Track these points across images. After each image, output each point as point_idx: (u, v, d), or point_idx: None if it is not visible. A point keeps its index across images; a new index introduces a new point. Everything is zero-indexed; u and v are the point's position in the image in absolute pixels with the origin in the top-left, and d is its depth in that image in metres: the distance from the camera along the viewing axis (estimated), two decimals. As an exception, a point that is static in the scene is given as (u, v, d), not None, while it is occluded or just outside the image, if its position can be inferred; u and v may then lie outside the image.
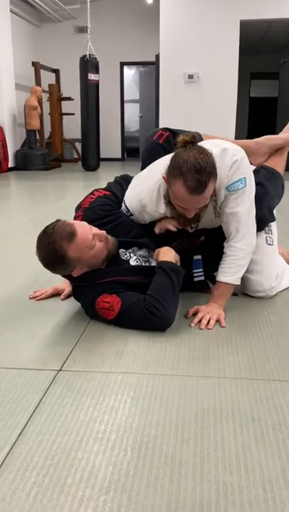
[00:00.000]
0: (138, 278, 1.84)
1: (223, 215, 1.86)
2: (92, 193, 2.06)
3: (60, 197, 5.32)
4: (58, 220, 1.75)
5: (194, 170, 1.60)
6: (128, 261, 1.89)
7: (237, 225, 1.84)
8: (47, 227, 1.72)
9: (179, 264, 1.84)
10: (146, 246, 1.95)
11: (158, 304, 1.71)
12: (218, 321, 1.84)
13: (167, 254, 1.85)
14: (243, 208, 1.82)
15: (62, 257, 1.68)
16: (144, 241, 1.94)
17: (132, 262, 1.89)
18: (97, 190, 2.08)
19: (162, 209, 1.88)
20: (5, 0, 8.27)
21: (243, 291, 2.16)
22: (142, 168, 2.10)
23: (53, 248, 1.67)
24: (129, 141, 11.53)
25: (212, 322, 1.81)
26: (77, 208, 2.02)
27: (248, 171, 1.83)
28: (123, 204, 2.02)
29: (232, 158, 1.76)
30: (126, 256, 1.90)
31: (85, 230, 1.71)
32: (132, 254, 1.92)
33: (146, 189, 1.92)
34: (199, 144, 1.89)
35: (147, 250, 1.95)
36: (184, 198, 1.67)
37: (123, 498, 0.98)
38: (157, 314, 1.71)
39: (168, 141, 2.09)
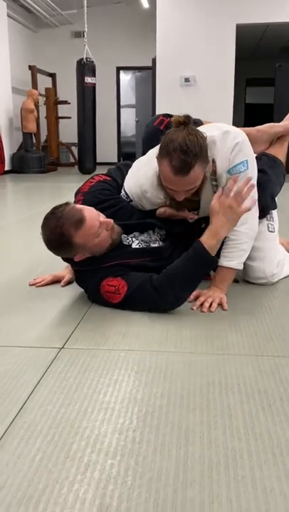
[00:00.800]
0: (141, 260, 1.83)
1: None
2: (92, 178, 2.04)
3: (56, 197, 5.31)
4: (67, 203, 1.73)
5: (180, 150, 1.57)
6: (130, 245, 1.88)
7: None
8: (56, 208, 1.70)
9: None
10: (154, 225, 1.93)
11: (168, 288, 1.70)
12: (220, 304, 1.82)
13: (212, 239, 1.75)
14: None
15: (68, 241, 1.67)
16: (152, 220, 1.92)
17: (134, 246, 1.88)
18: (97, 175, 2.07)
19: (163, 195, 1.87)
20: (2, 4, 8.32)
21: (244, 278, 2.14)
22: (143, 154, 2.09)
23: (60, 232, 1.65)
24: (126, 146, 11.55)
25: (214, 305, 1.80)
26: (77, 193, 2.00)
27: (250, 153, 1.82)
28: (122, 190, 2.00)
29: (234, 141, 1.75)
30: (128, 241, 1.89)
31: (93, 217, 1.70)
32: (133, 239, 1.90)
33: (146, 174, 1.90)
34: (201, 126, 1.89)
35: (148, 235, 1.94)
36: (170, 178, 1.64)
37: (130, 462, 0.96)
38: (164, 297, 1.71)
39: (169, 127, 2.09)
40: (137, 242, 1.90)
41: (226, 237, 1.89)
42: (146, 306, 1.75)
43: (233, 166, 1.77)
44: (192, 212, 1.92)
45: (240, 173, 1.77)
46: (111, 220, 1.76)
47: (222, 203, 1.76)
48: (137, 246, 1.88)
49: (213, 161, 1.76)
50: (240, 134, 1.79)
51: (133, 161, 2.12)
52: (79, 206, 1.72)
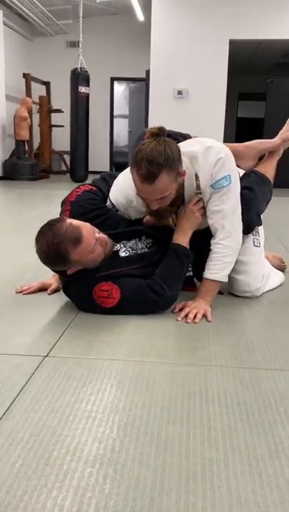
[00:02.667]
0: (129, 268, 1.86)
1: (209, 213, 1.89)
2: (78, 187, 2.07)
3: (47, 203, 5.32)
4: (57, 221, 1.73)
5: (146, 159, 1.62)
6: (118, 252, 1.91)
7: (223, 223, 1.87)
8: (52, 224, 1.70)
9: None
10: (141, 232, 1.97)
11: (164, 285, 1.81)
12: (204, 315, 1.85)
13: (184, 234, 1.92)
14: (228, 205, 1.85)
15: (64, 258, 1.69)
16: (139, 227, 1.96)
17: (122, 254, 1.91)
18: (83, 184, 2.10)
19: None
20: (-2, 12, 8.37)
21: (230, 291, 2.17)
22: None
23: (57, 250, 1.67)
24: (118, 156, 11.60)
25: (198, 316, 1.83)
26: (64, 202, 2.03)
27: (232, 168, 1.86)
28: (108, 200, 2.03)
29: (216, 156, 1.79)
30: (116, 247, 1.92)
31: (90, 235, 1.72)
32: (121, 245, 1.93)
33: (130, 184, 1.92)
34: (185, 141, 1.92)
35: (136, 242, 1.97)
36: (139, 186, 1.70)
37: (109, 470, 0.97)
38: (162, 294, 1.80)
39: None
40: (125, 249, 1.93)
41: (210, 250, 1.92)
42: (141, 309, 1.81)
43: (216, 181, 1.81)
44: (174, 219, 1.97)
45: (223, 188, 1.81)
46: (105, 236, 1.81)
47: (186, 207, 1.90)
48: (125, 254, 1.91)
49: (197, 176, 1.81)
50: (222, 149, 1.83)
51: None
52: (76, 223, 1.72)
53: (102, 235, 1.79)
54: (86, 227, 1.73)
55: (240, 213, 1.92)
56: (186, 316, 1.83)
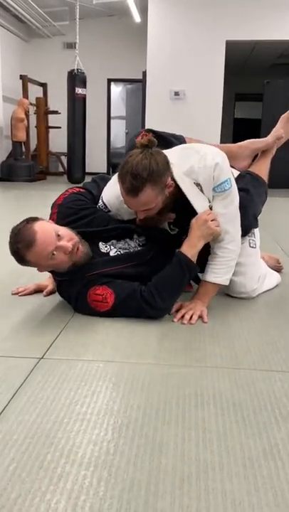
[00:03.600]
0: (122, 267, 1.85)
1: None
2: (66, 191, 2.08)
3: (44, 205, 5.31)
4: (28, 220, 1.75)
5: (130, 173, 1.63)
6: (108, 253, 1.90)
7: (227, 227, 1.85)
8: (16, 226, 1.75)
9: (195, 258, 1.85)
10: (132, 230, 1.96)
11: (158, 297, 1.77)
12: (200, 317, 1.85)
13: (194, 246, 1.83)
14: (230, 209, 1.85)
15: (22, 258, 1.72)
16: (130, 225, 1.95)
17: (112, 254, 1.90)
18: (71, 188, 2.11)
19: None
20: (-5, 13, 8.36)
21: (226, 292, 2.17)
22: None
23: (14, 249, 1.71)
24: (115, 157, 11.58)
25: (194, 317, 1.82)
26: (52, 206, 2.04)
27: (229, 172, 1.85)
28: (100, 201, 2.02)
29: (213, 161, 1.78)
30: (106, 249, 1.92)
31: (47, 241, 1.69)
32: (111, 247, 1.93)
33: None
34: (180, 150, 1.91)
35: (126, 242, 1.96)
36: (124, 198, 1.72)
37: (103, 473, 0.97)
38: (154, 306, 1.77)
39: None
40: (115, 250, 1.92)
41: (212, 253, 1.91)
42: (134, 314, 1.80)
43: (218, 184, 1.79)
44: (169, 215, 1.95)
45: (225, 191, 1.80)
46: (69, 246, 1.73)
47: (199, 218, 1.82)
48: (116, 254, 1.91)
49: (198, 184, 1.80)
50: (216, 154, 1.82)
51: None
52: (36, 228, 1.70)
53: (67, 244, 1.73)
54: (43, 234, 1.69)
55: (239, 219, 1.91)
56: (182, 317, 1.83)
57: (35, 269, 1.82)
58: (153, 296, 1.77)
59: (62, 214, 1.93)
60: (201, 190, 1.82)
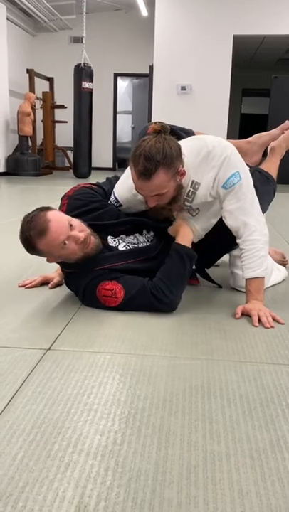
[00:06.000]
0: (130, 261, 1.85)
1: (226, 213, 1.85)
2: (77, 185, 2.09)
3: (50, 199, 5.32)
4: (42, 209, 1.74)
5: (144, 156, 1.63)
6: (117, 247, 1.90)
7: (244, 219, 1.82)
8: (28, 214, 1.74)
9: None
10: (142, 225, 1.96)
11: (167, 290, 1.77)
12: (276, 320, 1.78)
13: (186, 237, 1.88)
14: (245, 200, 1.82)
15: (32, 246, 1.72)
16: (140, 218, 1.95)
17: (121, 248, 1.90)
18: (83, 183, 2.12)
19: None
20: (1, 8, 8.36)
21: (232, 286, 2.17)
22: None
23: (25, 237, 1.71)
24: (121, 152, 11.59)
25: (270, 319, 1.76)
26: (63, 197, 2.04)
27: (239, 163, 1.83)
28: (112, 196, 2.02)
29: (220, 157, 1.77)
30: (115, 243, 1.92)
31: (59, 231, 1.69)
32: (120, 241, 1.93)
33: None
34: (189, 138, 1.91)
35: (135, 237, 1.96)
36: (136, 182, 1.71)
37: (110, 462, 0.97)
38: (164, 300, 1.77)
39: None
40: (124, 244, 1.93)
41: (240, 250, 1.88)
42: (144, 309, 1.80)
43: (226, 181, 1.78)
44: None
45: (234, 185, 1.79)
46: (81, 235, 1.73)
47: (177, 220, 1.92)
48: (124, 248, 1.91)
49: (193, 183, 1.81)
50: (226, 148, 1.80)
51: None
52: (49, 216, 1.69)
53: (79, 234, 1.73)
54: (56, 223, 1.69)
55: (258, 205, 1.89)
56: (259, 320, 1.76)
57: (42, 260, 1.82)
58: (162, 291, 1.77)
59: (71, 205, 1.93)
60: (191, 192, 1.83)
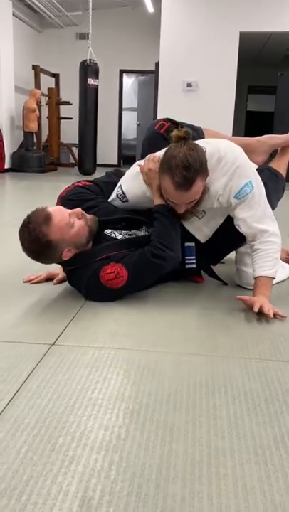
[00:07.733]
0: (128, 251, 1.86)
1: (239, 221, 1.85)
2: (71, 184, 2.11)
3: (55, 195, 5.32)
4: (35, 208, 1.77)
5: (182, 166, 1.62)
6: (115, 238, 1.94)
7: (259, 226, 1.83)
8: (24, 220, 1.75)
9: None
10: (140, 222, 1.96)
11: (165, 248, 1.80)
12: (278, 315, 1.77)
13: (159, 198, 1.88)
14: (258, 209, 1.83)
15: (46, 241, 1.71)
16: (138, 217, 1.97)
17: (119, 238, 1.93)
18: (77, 181, 2.12)
19: None
20: (8, 4, 8.35)
21: (237, 283, 2.16)
22: (142, 157, 2.11)
23: (34, 236, 1.70)
24: (126, 149, 11.58)
25: (272, 311, 1.74)
26: (57, 199, 2.05)
27: (251, 172, 1.83)
28: (119, 189, 2.02)
29: (233, 165, 1.77)
30: (113, 235, 1.95)
31: (61, 211, 1.76)
32: (117, 233, 1.95)
33: None
34: (201, 140, 1.91)
35: (135, 233, 1.98)
36: (172, 193, 1.70)
37: (114, 457, 0.97)
38: (165, 256, 1.80)
39: (168, 131, 2.11)
40: (121, 236, 1.96)
41: (254, 249, 1.87)
42: (150, 276, 1.85)
43: (239, 191, 1.79)
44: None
45: (247, 195, 1.79)
46: (79, 209, 1.82)
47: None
48: (122, 238, 1.93)
49: (205, 189, 1.80)
50: (237, 156, 1.80)
51: (132, 164, 2.14)
52: (47, 208, 1.75)
53: (76, 209, 1.81)
54: (56, 207, 1.79)
55: (270, 209, 1.89)
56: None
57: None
58: (161, 249, 1.80)
59: (64, 207, 1.93)
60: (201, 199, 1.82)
